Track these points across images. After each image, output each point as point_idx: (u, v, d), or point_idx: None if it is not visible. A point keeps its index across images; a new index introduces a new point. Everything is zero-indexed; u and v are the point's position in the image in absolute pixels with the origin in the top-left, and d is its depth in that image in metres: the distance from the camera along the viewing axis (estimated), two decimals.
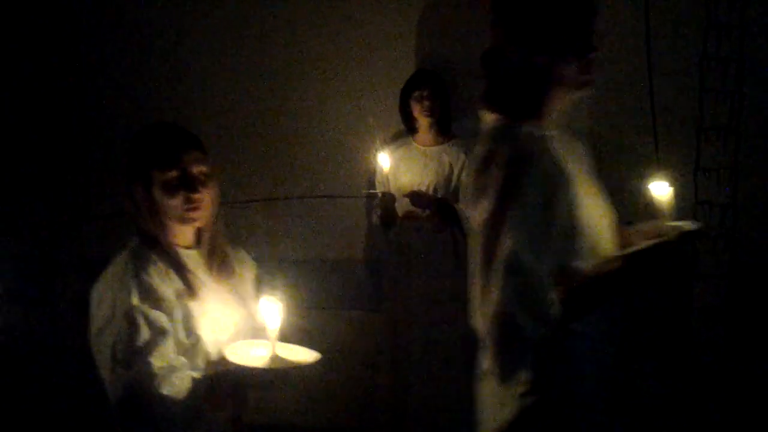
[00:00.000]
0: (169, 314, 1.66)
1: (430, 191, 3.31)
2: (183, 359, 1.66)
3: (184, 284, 1.70)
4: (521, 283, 1.37)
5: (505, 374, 1.44)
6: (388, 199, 3.25)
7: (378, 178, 3.39)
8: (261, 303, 1.57)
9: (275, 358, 1.57)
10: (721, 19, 3.26)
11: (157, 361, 1.60)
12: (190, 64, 3.62)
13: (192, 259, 1.75)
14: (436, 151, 3.36)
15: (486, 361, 1.50)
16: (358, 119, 3.56)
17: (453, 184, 3.33)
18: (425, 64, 3.54)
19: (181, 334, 1.67)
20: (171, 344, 1.64)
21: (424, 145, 3.39)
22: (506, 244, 1.37)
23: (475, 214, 1.46)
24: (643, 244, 1.47)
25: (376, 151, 3.33)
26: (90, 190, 3.64)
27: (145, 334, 1.61)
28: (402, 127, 3.47)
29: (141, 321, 1.61)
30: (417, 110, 3.34)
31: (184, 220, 1.71)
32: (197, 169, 1.70)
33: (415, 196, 3.25)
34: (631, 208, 3.33)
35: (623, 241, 1.58)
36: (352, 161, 3.55)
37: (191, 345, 1.68)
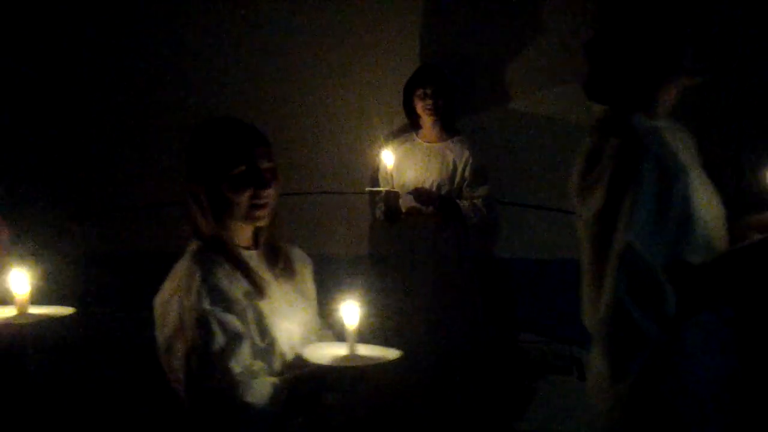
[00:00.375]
0: (242, 317, 1.57)
1: (434, 188, 3.30)
2: (261, 363, 1.58)
3: (251, 285, 1.61)
4: (636, 278, 1.33)
5: (617, 372, 1.39)
6: (392, 196, 3.25)
7: (381, 175, 3.36)
8: (339, 302, 1.52)
9: (356, 356, 1.52)
10: (721, 15, 3.26)
11: (236, 368, 1.51)
12: (196, 65, 3.60)
13: (253, 259, 1.66)
14: (439, 147, 3.35)
15: (596, 358, 1.45)
16: (361, 115, 3.55)
17: (456, 180, 3.33)
18: (429, 60, 3.53)
19: (256, 337, 1.58)
20: (247, 348, 1.55)
21: (428, 142, 3.38)
22: (621, 237, 1.34)
23: (586, 207, 1.42)
24: (757, 237, 1.43)
25: (380, 147, 3.31)
26: (92, 187, 3.66)
27: (220, 339, 1.51)
28: (406, 122, 3.47)
29: (215, 326, 1.51)
30: (420, 108, 3.33)
31: (249, 218, 1.63)
32: (265, 165, 1.62)
33: (418, 193, 3.26)
34: None
35: (736, 234, 1.55)
36: (356, 157, 3.55)
37: (266, 348, 1.60)
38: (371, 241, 3.66)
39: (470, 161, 3.33)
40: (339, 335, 1.63)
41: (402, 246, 3.36)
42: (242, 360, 1.53)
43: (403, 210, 3.31)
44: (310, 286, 1.79)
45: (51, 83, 3.63)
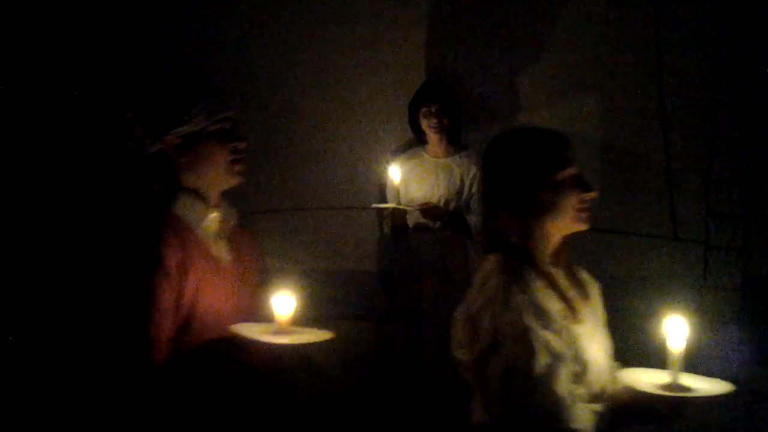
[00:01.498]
0: (560, 337, 1.46)
1: (441, 203, 3.28)
2: (580, 388, 1.47)
3: (565, 304, 1.52)
4: None
5: None
6: (398, 214, 3.24)
7: (389, 190, 3.36)
8: (665, 323, 1.43)
9: (680, 385, 1.41)
10: (731, 32, 3.26)
11: (560, 390, 1.42)
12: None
13: (558, 277, 1.57)
14: (446, 163, 3.33)
15: None
16: (368, 130, 3.55)
17: (464, 196, 3.31)
18: (435, 74, 3.53)
19: (570, 360, 1.47)
20: (568, 371, 1.45)
21: (435, 157, 3.35)
22: None
23: None
24: None
25: (387, 163, 3.32)
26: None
27: (543, 359, 1.41)
28: (413, 136, 3.45)
29: (538, 344, 1.41)
30: (425, 125, 3.30)
31: (578, 221, 1.54)
32: (579, 169, 1.57)
33: (427, 210, 3.24)
34: (651, 218, 3.38)
35: None
36: (363, 173, 3.56)
37: (579, 372, 1.48)
38: (379, 256, 3.65)
39: (477, 176, 3.31)
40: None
41: (410, 261, 3.34)
42: (564, 383, 1.43)
43: (411, 226, 3.30)
44: (601, 310, 1.68)
45: None
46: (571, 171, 1.54)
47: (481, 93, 3.58)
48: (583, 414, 1.44)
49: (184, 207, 1.62)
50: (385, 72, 3.58)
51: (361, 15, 3.57)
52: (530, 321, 1.43)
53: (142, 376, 1.49)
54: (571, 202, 1.53)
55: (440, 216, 3.27)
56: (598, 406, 1.48)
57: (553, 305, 1.50)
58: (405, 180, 3.32)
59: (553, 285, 1.53)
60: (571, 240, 1.60)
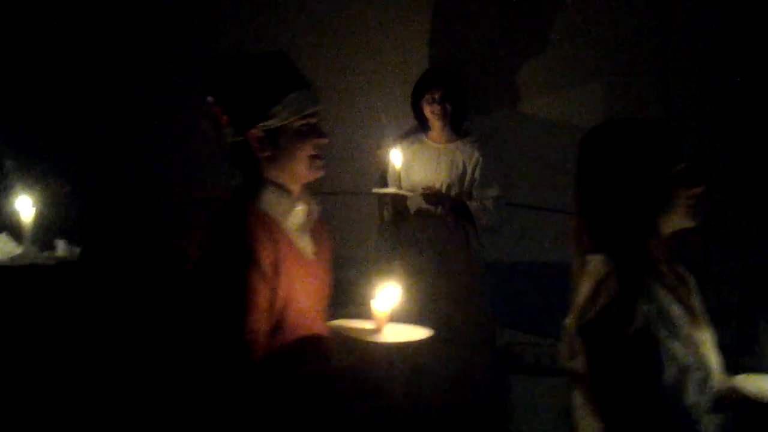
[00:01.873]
0: (685, 345, 1.41)
1: (444, 189, 3.28)
2: (706, 399, 1.42)
3: (685, 310, 1.46)
4: None
5: None
6: (399, 200, 3.25)
7: (390, 175, 3.35)
8: None
9: None
10: (736, 22, 3.23)
11: (689, 403, 1.38)
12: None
13: (668, 279, 1.50)
14: (449, 149, 3.32)
15: None
16: (369, 115, 3.54)
17: (466, 182, 3.30)
18: (439, 60, 3.51)
19: (695, 369, 1.42)
20: (695, 382, 1.40)
21: (437, 143, 3.35)
22: None
23: None
24: None
25: (389, 147, 3.31)
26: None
27: (671, 370, 1.36)
28: (416, 122, 3.44)
29: (666, 355, 1.36)
30: (428, 111, 3.30)
31: (693, 218, 1.48)
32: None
33: (429, 195, 3.24)
34: None
35: None
36: (364, 157, 3.54)
37: (700, 380, 1.42)
38: (378, 242, 3.63)
39: (480, 162, 3.30)
40: None
41: (410, 247, 3.34)
42: (692, 394, 1.39)
43: (412, 212, 3.29)
44: (701, 306, 1.59)
45: None
46: (683, 165, 1.47)
47: (484, 81, 3.57)
48: (710, 426, 1.40)
49: (270, 201, 1.58)
50: (387, 58, 3.57)
51: (364, 2, 3.55)
52: (658, 331, 1.37)
53: (241, 377, 1.46)
54: (683, 197, 1.47)
55: (442, 202, 3.26)
56: (721, 417, 1.44)
57: (675, 311, 1.44)
58: (407, 165, 3.30)
59: (672, 289, 1.46)
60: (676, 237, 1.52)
